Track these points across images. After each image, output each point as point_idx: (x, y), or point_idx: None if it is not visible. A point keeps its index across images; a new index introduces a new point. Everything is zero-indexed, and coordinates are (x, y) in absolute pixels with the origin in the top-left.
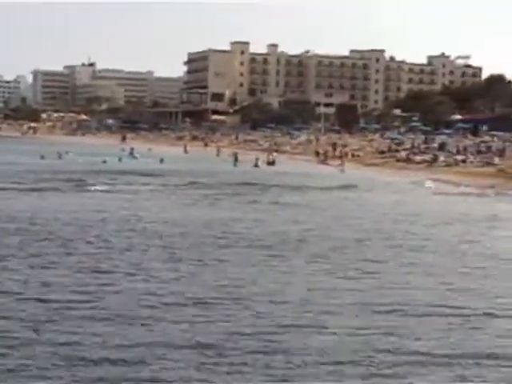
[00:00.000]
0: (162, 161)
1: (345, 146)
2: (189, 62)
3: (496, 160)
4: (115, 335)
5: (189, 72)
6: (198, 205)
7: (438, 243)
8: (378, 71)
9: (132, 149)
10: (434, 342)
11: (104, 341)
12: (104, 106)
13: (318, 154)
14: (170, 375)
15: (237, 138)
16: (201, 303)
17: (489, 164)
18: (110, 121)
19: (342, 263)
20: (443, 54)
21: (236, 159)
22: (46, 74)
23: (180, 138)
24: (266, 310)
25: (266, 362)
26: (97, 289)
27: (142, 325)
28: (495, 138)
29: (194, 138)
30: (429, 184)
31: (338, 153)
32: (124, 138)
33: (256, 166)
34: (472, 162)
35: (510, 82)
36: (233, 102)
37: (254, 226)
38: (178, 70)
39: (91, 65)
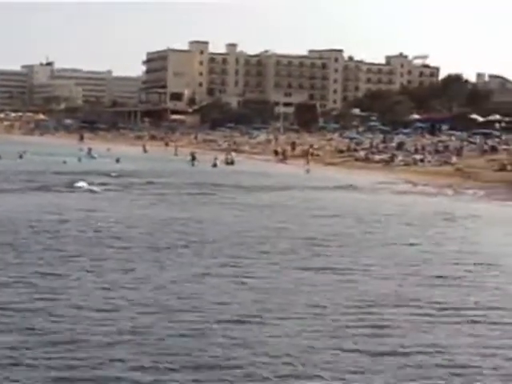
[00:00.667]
0: (118, 160)
1: (311, 145)
2: (148, 61)
3: (453, 159)
4: None
5: (148, 71)
6: (151, 205)
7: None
8: (336, 71)
9: (90, 149)
10: None
11: None
12: (62, 106)
13: (276, 153)
14: None
15: (196, 137)
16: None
17: (446, 163)
18: (69, 120)
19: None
20: (401, 54)
21: (194, 159)
22: (3, 73)
23: (139, 138)
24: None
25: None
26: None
27: None
28: (452, 138)
29: (153, 138)
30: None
31: (298, 152)
32: (82, 138)
33: (214, 165)
34: (430, 162)
35: (466, 81)
36: (192, 101)
37: (202, 226)
38: (136, 69)
39: (49, 64)
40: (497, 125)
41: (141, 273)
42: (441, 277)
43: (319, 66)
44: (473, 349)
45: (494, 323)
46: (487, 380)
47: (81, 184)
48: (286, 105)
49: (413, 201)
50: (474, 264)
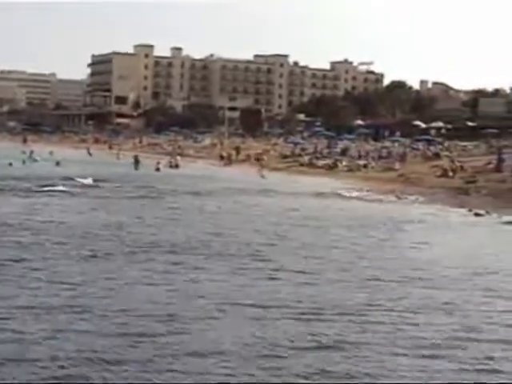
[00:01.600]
0: (58, 164)
1: (266, 150)
2: (92, 64)
3: (397, 165)
4: None
5: (92, 74)
6: (91, 209)
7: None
8: (281, 76)
9: (32, 151)
10: None
11: None
12: (5, 108)
13: (222, 157)
14: None
15: (141, 141)
16: None
17: (390, 169)
18: (12, 123)
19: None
20: (346, 60)
21: (137, 162)
22: None
23: (83, 141)
24: None
25: None
26: None
27: None
28: (396, 144)
29: (97, 141)
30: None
31: (243, 156)
32: (25, 141)
33: (157, 169)
34: (373, 167)
35: (410, 88)
36: (137, 105)
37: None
38: (81, 72)
39: None
40: (439, 131)
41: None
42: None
43: (265, 71)
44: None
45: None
46: None
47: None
48: (231, 109)
49: (355, 206)
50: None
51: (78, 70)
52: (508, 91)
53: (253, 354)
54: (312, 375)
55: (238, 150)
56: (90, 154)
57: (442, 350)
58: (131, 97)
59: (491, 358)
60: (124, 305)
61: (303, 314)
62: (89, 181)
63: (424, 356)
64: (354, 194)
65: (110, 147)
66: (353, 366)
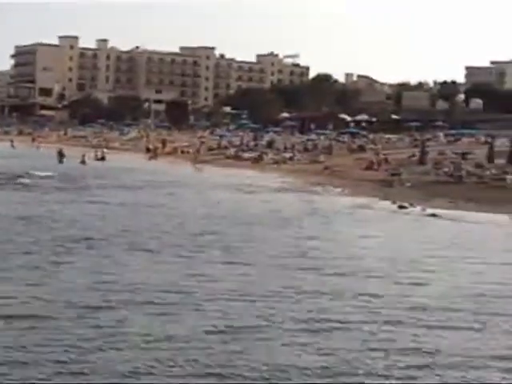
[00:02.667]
0: None
1: (201, 140)
2: (16, 55)
3: (322, 158)
4: None
5: (16, 66)
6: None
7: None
8: (208, 68)
9: None
10: None
11: None
12: None
13: (148, 150)
14: None
15: (65, 133)
16: None
17: (315, 162)
18: None
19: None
20: (272, 53)
21: (62, 155)
22: None
23: (6, 133)
24: None
25: None
26: None
27: None
28: (321, 136)
29: (21, 133)
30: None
31: (169, 149)
32: None
33: (83, 162)
34: (299, 160)
35: (336, 81)
36: (61, 96)
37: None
38: (4, 63)
39: None
40: (364, 124)
41: None
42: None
43: (191, 64)
44: None
45: None
46: None
47: None
48: (157, 102)
49: (280, 197)
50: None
51: (1, 61)
52: (431, 85)
53: None
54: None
55: (164, 142)
56: (13, 147)
57: None
58: (56, 88)
59: None
60: None
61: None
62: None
63: None
64: (279, 186)
65: (34, 140)
66: None
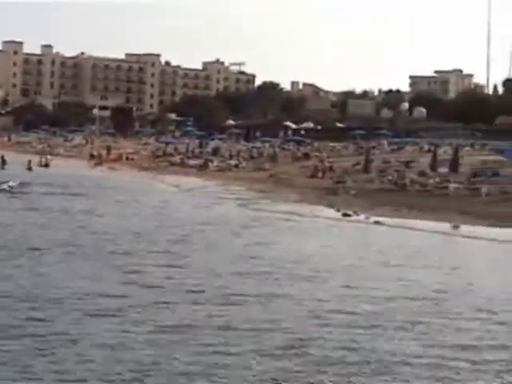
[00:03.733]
0: None
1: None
2: None
3: (267, 165)
4: None
5: None
6: None
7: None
8: (153, 75)
9: None
10: None
11: None
12: None
13: (92, 156)
14: None
15: (9, 139)
16: None
17: (261, 169)
18: None
19: None
20: (218, 60)
21: (3, 162)
22: None
23: None
24: None
25: None
26: None
27: None
28: (266, 144)
29: None
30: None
31: (114, 156)
32: None
33: (29, 168)
34: (244, 167)
35: (281, 89)
36: (5, 102)
37: None
38: None
39: None
40: (309, 132)
41: None
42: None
43: (136, 70)
44: None
45: None
46: None
47: None
48: (103, 108)
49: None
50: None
51: None
52: (376, 93)
53: None
54: None
55: (108, 149)
56: None
57: None
58: None
59: None
60: None
61: None
62: None
63: None
64: (224, 193)
65: None
66: None
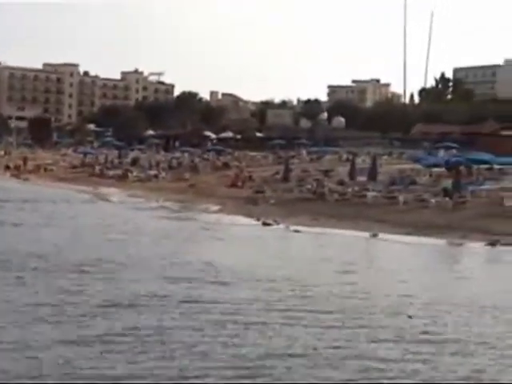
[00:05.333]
0: None
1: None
2: None
3: (187, 175)
4: None
5: None
6: None
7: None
8: (71, 85)
9: None
10: None
11: None
12: None
13: (7, 167)
14: None
15: None
16: None
17: (180, 179)
18: None
19: None
20: (137, 70)
21: None
22: None
23: None
24: None
25: None
26: None
27: None
28: (186, 154)
29: None
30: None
31: (31, 167)
32: None
33: None
34: (164, 178)
35: (200, 99)
36: None
37: None
38: None
39: None
40: (229, 141)
41: None
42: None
43: (54, 80)
44: None
45: None
46: None
47: None
48: (20, 119)
49: (135, 216)
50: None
51: None
52: (295, 103)
53: None
54: None
55: (25, 160)
56: None
57: None
58: None
59: None
60: None
61: None
62: None
63: None
64: (141, 204)
65: None
66: None
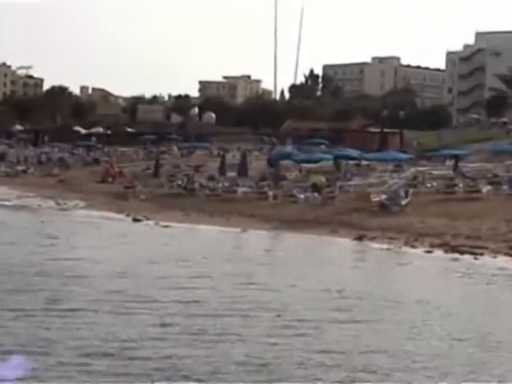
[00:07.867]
0: None
1: None
2: None
3: (56, 171)
4: None
5: None
6: None
7: None
8: None
9: None
10: None
11: None
12: None
13: None
14: None
15: None
16: None
17: (50, 175)
18: None
19: None
20: (4, 64)
21: None
22: None
23: None
24: None
25: None
26: None
27: None
28: (55, 149)
29: None
30: None
31: None
32: None
33: None
34: (33, 173)
35: (70, 93)
36: None
37: None
38: None
39: None
40: (100, 137)
41: None
42: None
43: None
44: None
45: None
46: None
47: None
48: None
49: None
50: None
51: None
52: (166, 98)
53: None
54: None
55: None
56: None
57: None
58: None
59: None
60: None
61: None
62: None
63: None
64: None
65: None
66: None
